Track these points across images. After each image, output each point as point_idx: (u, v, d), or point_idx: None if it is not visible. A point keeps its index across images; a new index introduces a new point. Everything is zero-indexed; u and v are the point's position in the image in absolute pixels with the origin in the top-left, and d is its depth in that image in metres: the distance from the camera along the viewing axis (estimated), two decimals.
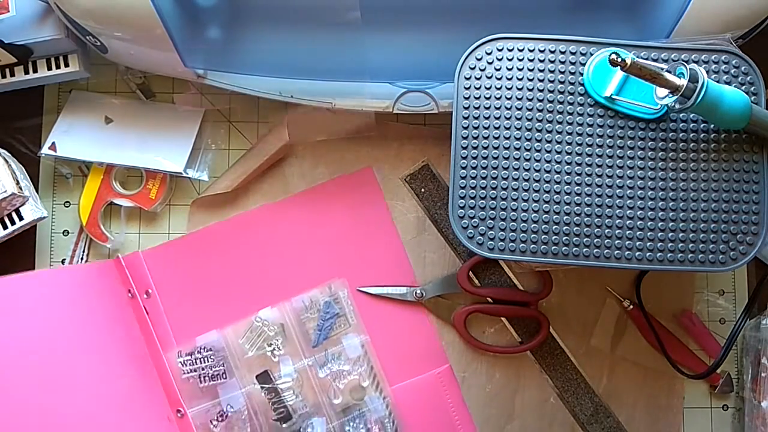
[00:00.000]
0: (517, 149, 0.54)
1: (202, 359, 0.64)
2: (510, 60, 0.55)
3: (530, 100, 0.54)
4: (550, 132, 0.54)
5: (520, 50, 0.55)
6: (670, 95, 0.51)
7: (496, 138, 0.54)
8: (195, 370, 0.64)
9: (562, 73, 0.55)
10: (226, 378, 0.64)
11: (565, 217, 0.53)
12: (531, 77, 0.54)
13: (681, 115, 0.54)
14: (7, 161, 0.62)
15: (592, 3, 0.61)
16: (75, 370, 0.59)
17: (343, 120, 0.67)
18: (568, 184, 0.54)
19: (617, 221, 0.53)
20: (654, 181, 0.54)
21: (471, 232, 0.54)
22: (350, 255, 0.67)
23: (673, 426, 0.66)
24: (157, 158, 0.66)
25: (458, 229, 0.54)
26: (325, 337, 0.65)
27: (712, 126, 0.54)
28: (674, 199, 0.54)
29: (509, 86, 0.54)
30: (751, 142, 0.54)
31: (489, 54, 0.55)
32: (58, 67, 0.63)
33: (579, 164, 0.54)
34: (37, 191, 0.67)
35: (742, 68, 0.54)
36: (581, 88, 0.54)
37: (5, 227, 0.61)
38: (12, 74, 0.63)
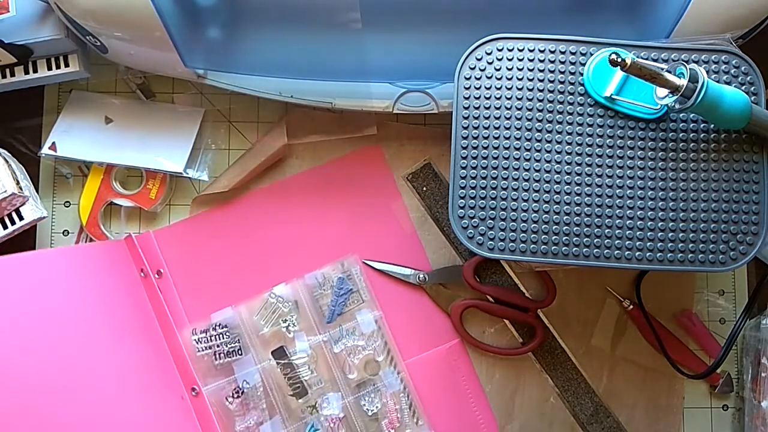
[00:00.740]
0: (517, 149, 0.54)
1: (216, 336, 0.64)
2: (510, 60, 0.55)
3: (530, 100, 0.54)
4: (550, 132, 0.54)
5: (520, 50, 0.55)
6: (670, 95, 0.51)
7: (496, 138, 0.54)
8: (210, 347, 0.64)
9: (562, 73, 0.55)
10: (241, 354, 0.64)
11: (565, 217, 0.53)
12: (531, 77, 0.54)
13: (681, 115, 0.54)
14: (7, 161, 0.62)
15: (592, 3, 0.61)
16: (87, 351, 0.58)
17: (343, 120, 0.67)
18: (568, 184, 0.54)
19: (617, 221, 0.53)
20: (654, 181, 0.54)
21: (471, 232, 0.54)
22: (362, 231, 0.67)
23: (673, 426, 0.66)
24: (157, 158, 0.66)
25: (458, 229, 0.54)
26: (339, 312, 0.65)
27: (712, 126, 0.54)
28: (674, 199, 0.54)
29: (509, 86, 0.54)
30: (751, 142, 0.54)
31: (489, 54, 0.55)
32: (58, 67, 0.63)
33: (579, 164, 0.54)
34: (37, 191, 0.67)
35: (742, 68, 0.54)
36: (581, 88, 0.54)
37: (5, 227, 0.61)
38: (12, 74, 0.63)
